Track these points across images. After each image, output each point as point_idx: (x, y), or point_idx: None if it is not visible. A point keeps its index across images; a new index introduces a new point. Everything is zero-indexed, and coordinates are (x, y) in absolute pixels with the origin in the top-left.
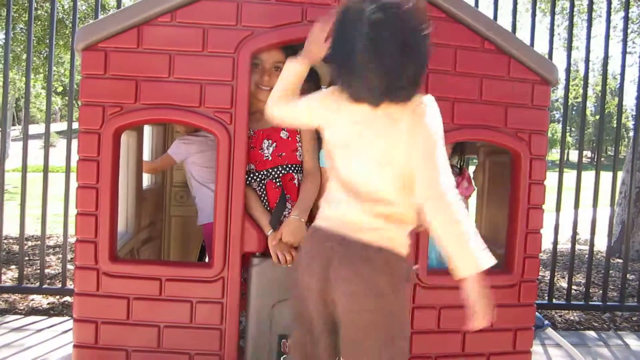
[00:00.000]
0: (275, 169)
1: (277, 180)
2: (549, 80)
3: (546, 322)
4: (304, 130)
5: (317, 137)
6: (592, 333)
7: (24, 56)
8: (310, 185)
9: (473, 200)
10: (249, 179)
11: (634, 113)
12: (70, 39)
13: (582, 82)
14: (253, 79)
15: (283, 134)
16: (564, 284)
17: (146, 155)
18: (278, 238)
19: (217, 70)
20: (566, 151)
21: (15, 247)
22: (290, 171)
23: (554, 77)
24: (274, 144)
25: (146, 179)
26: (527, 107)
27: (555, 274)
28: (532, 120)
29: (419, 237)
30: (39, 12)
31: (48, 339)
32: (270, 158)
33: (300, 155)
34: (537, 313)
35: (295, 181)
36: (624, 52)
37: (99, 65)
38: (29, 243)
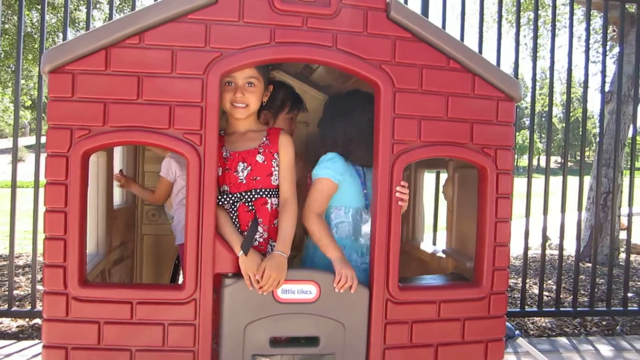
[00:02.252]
0: (249, 193)
1: (250, 204)
2: (512, 97)
3: (517, 332)
4: (284, 157)
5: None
6: (563, 339)
7: None
8: (289, 217)
9: (443, 213)
10: (222, 200)
11: (599, 119)
12: (39, 54)
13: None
14: (228, 98)
15: (259, 158)
16: (535, 290)
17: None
18: (261, 272)
19: (186, 92)
20: (536, 157)
21: None
22: (264, 195)
23: (518, 93)
24: (249, 167)
25: (117, 198)
26: (492, 124)
27: (527, 280)
28: (498, 136)
29: (389, 252)
30: (7, 25)
31: None
32: (244, 181)
33: (275, 179)
34: (507, 323)
35: (268, 205)
36: (587, 61)
37: (66, 87)
38: None
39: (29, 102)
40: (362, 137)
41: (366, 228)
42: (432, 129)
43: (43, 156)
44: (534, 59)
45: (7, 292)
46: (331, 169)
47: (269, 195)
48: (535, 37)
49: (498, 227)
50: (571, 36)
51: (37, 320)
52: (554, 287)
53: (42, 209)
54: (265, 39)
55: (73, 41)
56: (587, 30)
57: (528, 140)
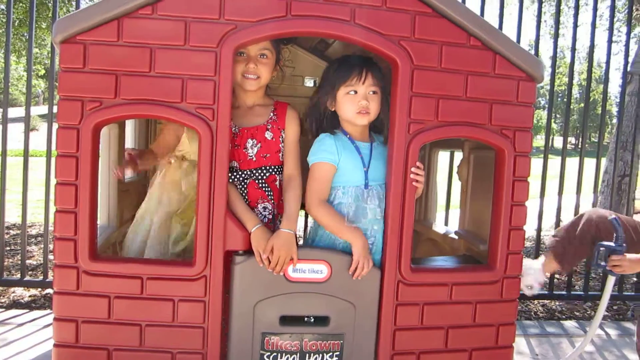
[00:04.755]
0: (259, 170)
1: (261, 181)
2: (534, 76)
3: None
4: (289, 133)
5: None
6: (573, 323)
7: (4, 38)
8: (294, 193)
9: (457, 194)
10: (232, 176)
11: (618, 100)
12: (52, 22)
13: (567, 70)
14: (239, 69)
15: (267, 135)
16: None
17: (129, 145)
18: (269, 251)
19: (199, 65)
20: (551, 137)
21: None
22: (274, 172)
23: (540, 73)
24: (259, 144)
25: (129, 170)
26: (512, 104)
27: None
28: (517, 117)
29: (402, 234)
30: None
31: (30, 334)
32: (254, 158)
33: (282, 156)
34: None
35: (277, 182)
36: (610, 41)
37: (77, 58)
38: (10, 232)
39: (43, 71)
40: (312, 106)
41: (369, 207)
42: (450, 108)
43: (55, 126)
44: (555, 36)
45: (20, 262)
46: (323, 151)
47: (278, 172)
48: (558, 13)
49: (514, 211)
50: (595, 13)
51: (49, 290)
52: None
53: (54, 179)
54: (282, 11)
55: (85, 11)
56: (612, 8)
57: (542, 121)
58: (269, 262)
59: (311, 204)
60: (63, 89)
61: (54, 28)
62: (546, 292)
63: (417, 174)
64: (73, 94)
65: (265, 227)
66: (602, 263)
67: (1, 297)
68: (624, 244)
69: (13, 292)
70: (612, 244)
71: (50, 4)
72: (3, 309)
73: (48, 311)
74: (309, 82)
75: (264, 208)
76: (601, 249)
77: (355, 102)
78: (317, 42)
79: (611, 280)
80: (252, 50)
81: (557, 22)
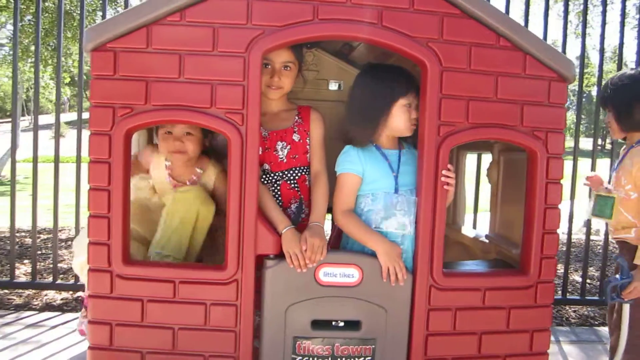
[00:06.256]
0: (291, 171)
1: (292, 181)
2: (565, 76)
3: None
4: (314, 133)
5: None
6: (607, 329)
7: (32, 47)
8: (321, 189)
9: (487, 197)
10: (263, 179)
11: None
12: (79, 32)
13: (593, 70)
14: (263, 80)
15: (295, 137)
16: (576, 277)
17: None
18: (304, 241)
19: (228, 71)
20: (572, 138)
21: (27, 241)
22: (304, 173)
23: (571, 73)
24: (288, 146)
25: None
26: (543, 105)
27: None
28: (549, 118)
29: (434, 238)
30: (47, 4)
31: (62, 336)
32: (285, 160)
33: (309, 157)
34: None
35: (307, 182)
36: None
37: (108, 65)
38: (41, 236)
39: (69, 79)
40: (356, 115)
41: (399, 214)
42: (481, 110)
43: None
44: (583, 34)
45: (51, 265)
46: (347, 162)
47: (307, 172)
48: (585, 11)
49: (547, 214)
50: (623, 11)
51: (80, 293)
52: (596, 274)
53: (84, 184)
54: (308, 15)
55: (114, 19)
56: None
57: (567, 122)
58: (302, 258)
59: (337, 214)
60: (94, 96)
61: (85, 36)
62: (578, 298)
63: (448, 177)
64: (104, 100)
65: (295, 229)
66: (618, 298)
67: (34, 299)
68: (630, 272)
69: (45, 295)
70: (617, 277)
71: (75, 14)
72: (36, 312)
73: (79, 314)
74: (333, 86)
75: (297, 208)
76: (610, 285)
77: (409, 115)
78: (342, 45)
79: (626, 308)
80: (276, 62)
81: (585, 21)
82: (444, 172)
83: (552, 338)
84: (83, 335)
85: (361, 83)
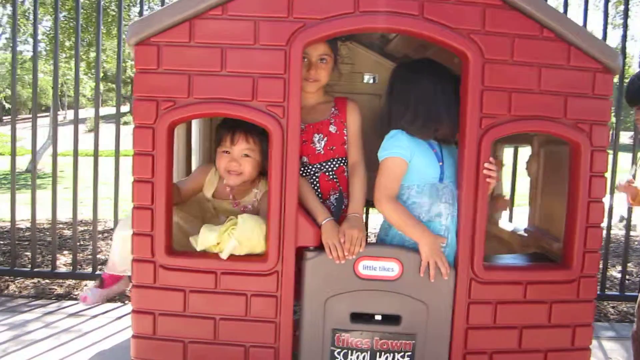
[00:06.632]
0: (329, 162)
1: (331, 173)
2: (611, 67)
3: None
4: (351, 123)
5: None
6: None
7: (67, 43)
8: (359, 180)
9: (526, 190)
10: (302, 171)
11: None
12: (117, 27)
13: (628, 62)
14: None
15: (332, 128)
16: (614, 272)
17: (194, 145)
18: (342, 234)
19: (270, 64)
20: (612, 132)
21: (65, 232)
22: (342, 164)
23: (617, 64)
24: (325, 138)
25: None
26: (588, 97)
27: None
28: (594, 111)
29: (475, 231)
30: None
31: (103, 325)
32: (322, 152)
33: (347, 148)
34: None
35: (345, 173)
36: None
37: (151, 59)
38: (79, 228)
39: (101, 74)
40: (428, 109)
41: (444, 205)
42: (523, 102)
43: (121, 127)
44: (625, 25)
45: (90, 256)
46: (396, 146)
47: (345, 163)
48: (627, 2)
49: (591, 208)
50: None
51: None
52: (635, 270)
53: (122, 177)
54: (350, 8)
55: (157, 13)
56: None
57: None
58: (341, 250)
59: (380, 200)
60: (138, 89)
61: (129, 31)
62: (617, 294)
63: (490, 170)
64: (148, 94)
65: (334, 221)
66: None
67: (75, 289)
68: None
69: (85, 285)
70: None
71: (109, 10)
72: (77, 301)
73: (119, 304)
74: (369, 79)
75: (337, 199)
76: None
77: None
78: (377, 37)
79: None
80: (313, 55)
81: (626, 12)
82: (486, 164)
83: None
84: (84, 301)
85: (442, 78)
